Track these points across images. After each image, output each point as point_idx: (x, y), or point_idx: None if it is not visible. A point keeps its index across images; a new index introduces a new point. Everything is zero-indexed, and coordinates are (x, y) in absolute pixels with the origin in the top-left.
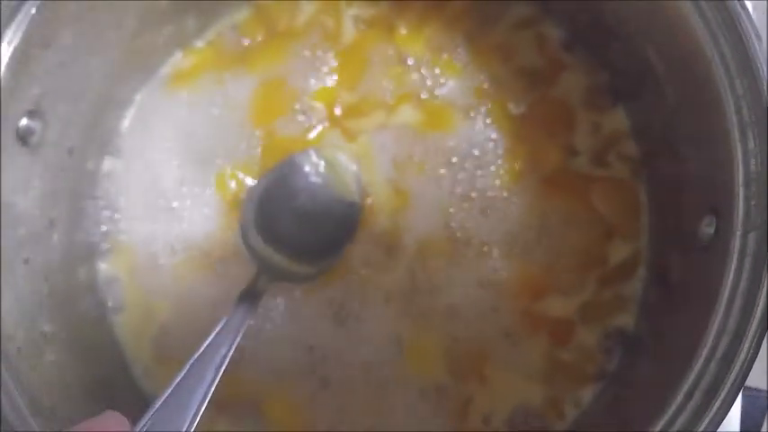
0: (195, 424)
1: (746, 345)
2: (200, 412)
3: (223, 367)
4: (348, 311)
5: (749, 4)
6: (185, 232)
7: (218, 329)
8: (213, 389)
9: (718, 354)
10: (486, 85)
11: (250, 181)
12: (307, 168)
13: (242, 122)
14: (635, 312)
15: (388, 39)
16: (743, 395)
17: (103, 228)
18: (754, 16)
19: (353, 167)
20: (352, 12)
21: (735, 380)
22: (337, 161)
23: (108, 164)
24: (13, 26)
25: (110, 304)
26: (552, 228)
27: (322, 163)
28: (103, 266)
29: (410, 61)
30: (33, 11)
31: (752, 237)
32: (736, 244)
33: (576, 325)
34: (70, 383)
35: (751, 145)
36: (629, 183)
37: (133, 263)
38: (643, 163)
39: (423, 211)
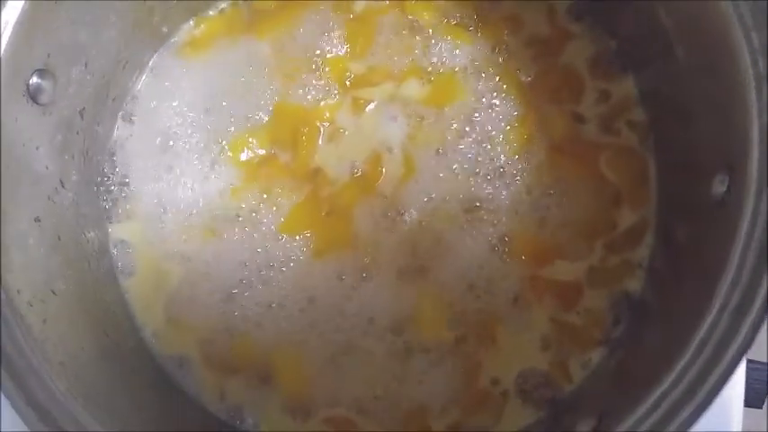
0: None
1: (759, 298)
2: None
3: None
4: (359, 276)
5: None
6: (196, 197)
7: None
8: None
9: (732, 305)
10: (495, 54)
11: (260, 149)
12: None
13: (253, 89)
14: (642, 277)
15: (399, 7)
16: (748, 367)
17: (114, 191)
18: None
19: None
20: None
21: (747, 332)
22: None
23: (120, 128)
24: None
25: (120, 267)
26: (561, 194)
27: None
28: (114, 230)
29: (420, 30)
30: None
31: (766, 193)
32: (750, 201)
33: (583, 289)
34: (81, 339)
35: (766, 98)
36: (637, 149)
37: (144, 227)
38: (651, 129)
39: (432, 179)
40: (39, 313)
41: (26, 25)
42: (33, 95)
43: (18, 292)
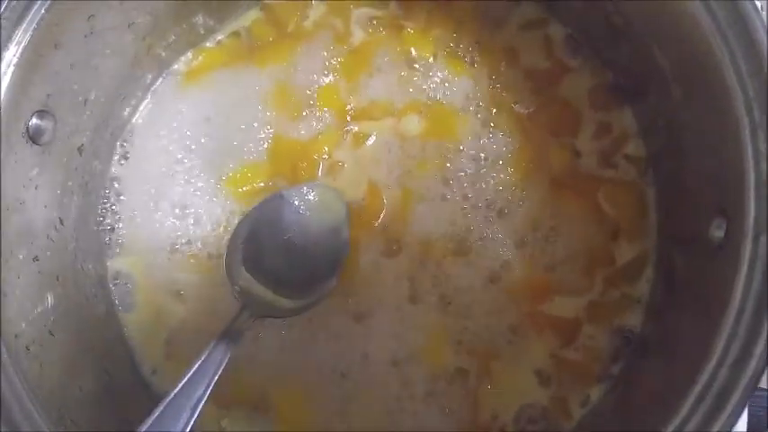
0: None
1: (758, 350)
2: None
3: (198, 409)
4: (358, 310)
5: (760, 4)
6: (195, 231)
7: (194, 368)
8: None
9: (730, 359)
10: (493, 87)
11: (259, 182)
12: (296, 203)
13: (251, 123)
14: (642, 313)
15: (396, 40)
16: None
17: (112, 225)
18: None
19: (342, 202)
20: (360, 13)
21: (746, 384)
22: (327, 195)
23: (117, 162)
24: (23, 26)
25: (119, 302)
26: (559, 228)
27: (312, 197)
28: (113, 265)
29: (418, 63)
30: (43, 11)
31: (763, 239)
32: (748, 247)
33: (582, 324)
34: (79, 380)
35: (762, 147)
36: (636, 184)
37: (143, 261)
38: (650, 164)
39: (431, 213)
40: (36, 357)
41: (26, 68)
42: (33, 137)
43: (16, 336)
